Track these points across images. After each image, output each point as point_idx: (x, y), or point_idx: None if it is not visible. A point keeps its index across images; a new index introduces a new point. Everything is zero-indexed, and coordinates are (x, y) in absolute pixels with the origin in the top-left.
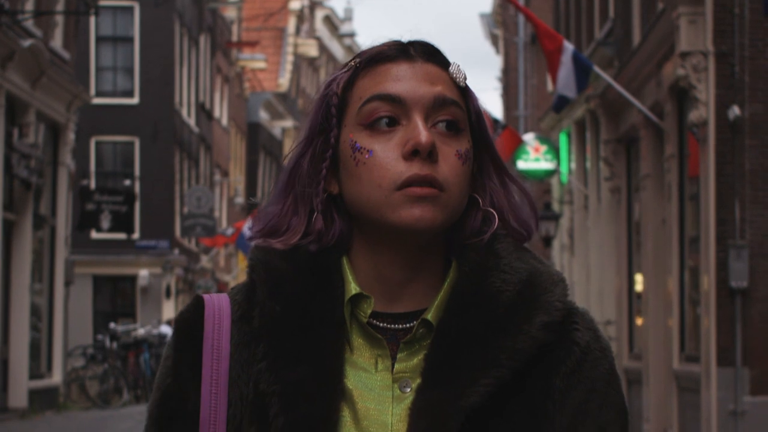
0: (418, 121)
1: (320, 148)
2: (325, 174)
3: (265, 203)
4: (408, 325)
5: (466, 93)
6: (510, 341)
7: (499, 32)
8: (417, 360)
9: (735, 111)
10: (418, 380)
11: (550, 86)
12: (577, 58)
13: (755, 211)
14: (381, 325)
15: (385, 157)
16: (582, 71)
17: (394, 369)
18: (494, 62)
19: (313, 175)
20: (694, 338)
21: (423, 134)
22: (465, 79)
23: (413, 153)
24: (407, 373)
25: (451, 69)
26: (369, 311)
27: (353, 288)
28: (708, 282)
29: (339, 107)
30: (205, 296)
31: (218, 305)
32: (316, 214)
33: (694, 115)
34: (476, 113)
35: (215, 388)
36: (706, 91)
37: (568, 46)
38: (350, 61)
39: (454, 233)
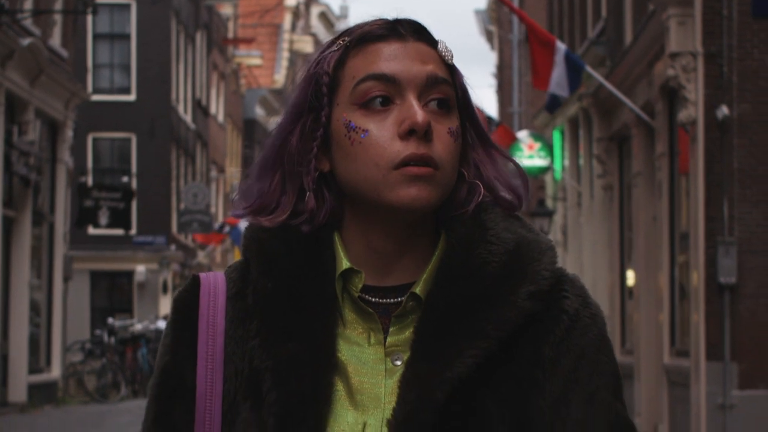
0: (413, 101)
1: (310, 127)
2: (316, 152)
3: (248, 179)
4: (399, 299)
5: (453, 70)
6: (496, 312)
7: (493, 29)
8: (408, 333)
9: (723, 111)
10: (409, 353)
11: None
12: (569, 58)
13: (743, 208)
14: (372, 299)
15: (381, 136)
16: (574, 71)
17: (386, 342)
18: (489, 58)
19: (304, 154)
20: (684, 333)
21: (419, 114)
22: (452, 57)
23: (409, 132)
24: (399, 346)
25: (440, 47)
26: (360, 286)
27: (344, 263)
28: (697, 278)
29: (330, 86)
30: (201, 275)
31: (213, 283)
32: (308, 193)
33: (683, 115)
34: (462, 89)
35: (211, 364)
36: (695, 91)
37: (561, 46)
38: (338, 38)
39: (442, 206)
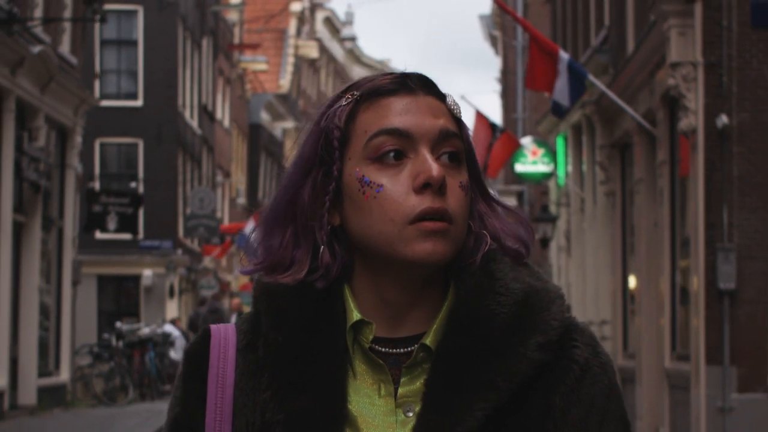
0: (427, 155)
1: (321, 181)
2: (329, 207)
3: (257, 235)
4: (409, 349)
5: (460, 124)
6: (506, 363)
7: (498, 34)
8: (419, 384)
9: (723, 119)
10: (420, 405)
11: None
12: (572, 67)
13: (742, 215)
14: (383, 350)
15: (396, 190)
16: (577, 80)
17: (398, 393)
18: (494, 63)
19: (316, 208)
20: (685, 338)
21: (434, 168)
22: (461, 111)
23: (424, 186)
24: (410, 397)
25: (448, 101)
26: (371, 337)
27: (355, 315)
28: (697, 283)
29: (341, 140)
30: (212, 327)
31: (224, 335)
32: (322, 248)
33: (684, 123)
34: (468, 143)
35: (219, 416)
36: (695, 100)
37: (564, 56)
38: (346, 92)
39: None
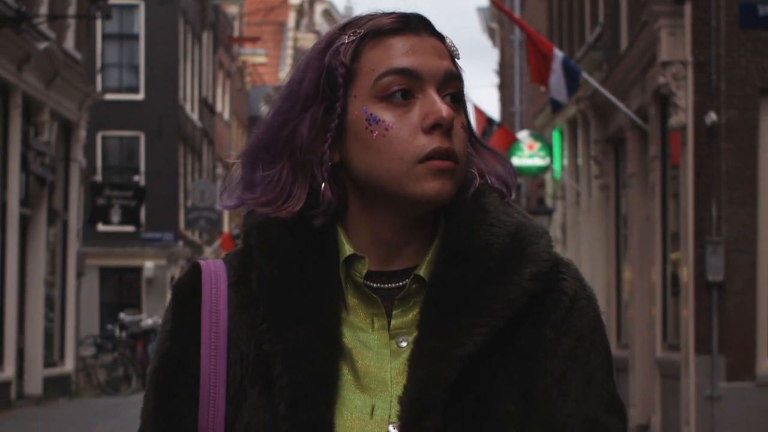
0: (435, 96)
1: (322, 117)
2: (331, 143)
3: (245, 168)
4: (401, 283)
5: (457, 65)
6: (502, 291)
7: (495, 26)
8: (412, 315)
9: (712, 116)
10: (414, 333)
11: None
12: (566, 65)
13: (730, 209)
14: (375, 285)
15: (405, 129)
16: (571, 77)
17: (391, 326)
18: (492, 54)
19: (316, 145)
20: (676, 328)
21: (444, 109)
22: (458, 52)
23: (434, 126)
24: (403, 329)
25: (448, 42)
26: (364, 271)
27: (348, 249)
28: (687, 275)
29: (345, 77)
30: (202, 262)
31: (215, 270)
32: (323, 184)
33: (674, 120)
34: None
35: (214, 350)
36: (685, 97)
37: (558, 54)
38: (345, 29)
39: None
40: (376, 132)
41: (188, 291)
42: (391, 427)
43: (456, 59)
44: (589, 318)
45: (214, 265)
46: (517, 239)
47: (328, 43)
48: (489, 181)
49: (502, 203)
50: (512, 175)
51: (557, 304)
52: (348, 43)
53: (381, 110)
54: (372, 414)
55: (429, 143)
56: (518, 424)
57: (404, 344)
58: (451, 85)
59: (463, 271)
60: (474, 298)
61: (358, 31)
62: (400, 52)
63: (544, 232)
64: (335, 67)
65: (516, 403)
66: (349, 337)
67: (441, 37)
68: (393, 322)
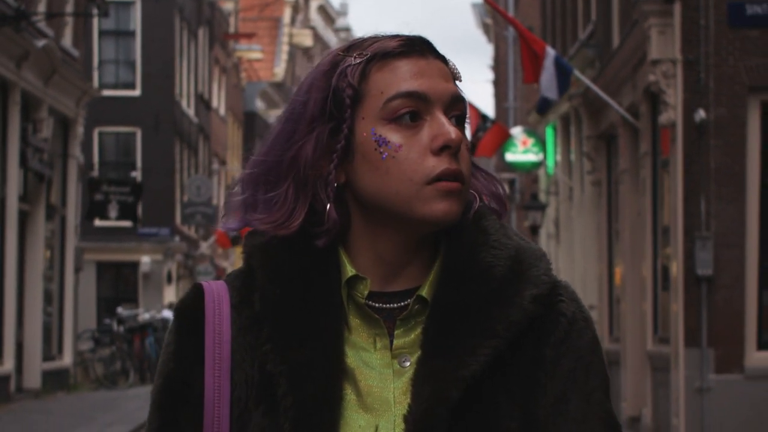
0: (443, 118)
1: (328, 138)
2: (338, 164)
3: (247, 189)
4: (402, 303)
5: (459, 88)
6: (505, 313)
7: (490, 22)
8: (414, 335)
9: (701, 114)
10: (417, 354)
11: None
12: (558, 63)
13: (719, 205)
14: (377, 305)
15: (414, 151)
16: (563, 74)
17: (393, 345)
18: (486, 50)
19: (323, 165)
20: (666, 322)
21: (453, 131)
22: (460, 74)
23: (442, 149)
24: (405, 348)
25: (451, 65)
26: (366, 292)
27: (350, 270)
28: (676, 270)
29: (353, 99)
30: (204, 283)
31: (217, 291)
32: (329, 204)
33: (664, 118)
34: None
35: (218, 371)
36: (675, 95)
37: (551, 52)
38: (349, 51)
39: None
40: (386, 153)
41: (191, 312)
42: None
43: (458, 81)
44: (587, 339)
45: (216, 286)
46: (518, 261)
47: (332, 65)
48: (485, 201)
49: (501, 225)
50: (505, 194)
51: (556, 325)
52: (355, 65)
53: (390, 132)
54: None
55: (438, 165)
56: None
57: (407, 364)
58: (456, 107)
59: (466, 292)
60: (477, 319)
61: (364, 53)
62: (408, 75)
63: (542, 254)
64: (342, 89)
65: (518, 421)
66: (351, 357)
67: (444, 60)
68: (395, 342)
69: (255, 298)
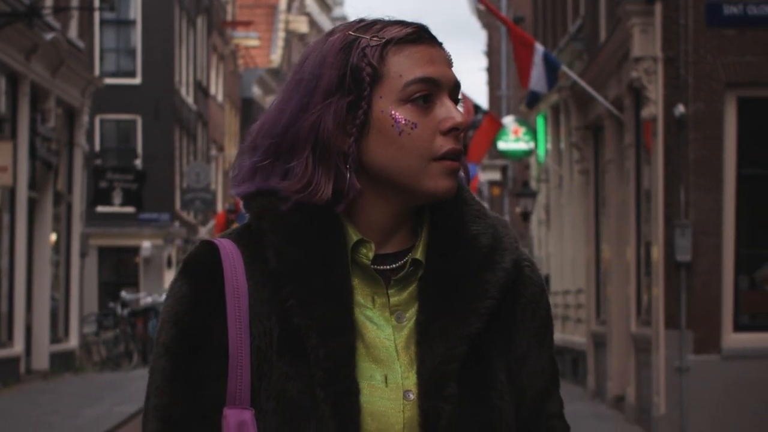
0: (450, 102)
1: (345, 112)
2: (357, 136)
3: (265, 155)
4: (395, 264)
5: None
6: (493, 276)
7: (483, 8)
8: (406, 294)
9: (680, 109)
10: (411, 310)
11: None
12: (547, 58)
13: (697, 195)
14: (373, 266)
15: (426, 130)
16: (552, 69)
17: (390, 302)
18: (480, 36)
19: (344, 136)
20: (649, 305)
21: (459, 114)
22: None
23: (450, 130)
24: (400, 306)
25: (447, 52)
26: (371, 255)
27: (355, 235)
28: (657, 256)
29: (372, 78)
30: (215, 240)
31: (230, 248)
32: (349, 174)
33: (645, 112)
34: None
35: (239, 323)
36: (656, 91)
37: (539, 48)
38: (362, 32)
39: None
40: (404, 130)
41: (208, 266)
42: (408, 394)
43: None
44: (546, 302)
45: (227, 244)
46: (496, 230)
47: (346, 44)
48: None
49: (474, 196)
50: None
51: (527, 287)
52: (374, 46)
53: (406, 111)
54: (386, 383)
55: (445, 144)
56: (508, 393)
57: (404, 320)
58: (457, 92)
59: (459, 259)
60: (471, 282)
61: (380, 36)
62: (423, 62)
63: (507, 223)
64: (362, 68)
65: (505, 373)
66: (357, 314)
67: (443, 47)
68: (392, 299)
69: (269, 256)
